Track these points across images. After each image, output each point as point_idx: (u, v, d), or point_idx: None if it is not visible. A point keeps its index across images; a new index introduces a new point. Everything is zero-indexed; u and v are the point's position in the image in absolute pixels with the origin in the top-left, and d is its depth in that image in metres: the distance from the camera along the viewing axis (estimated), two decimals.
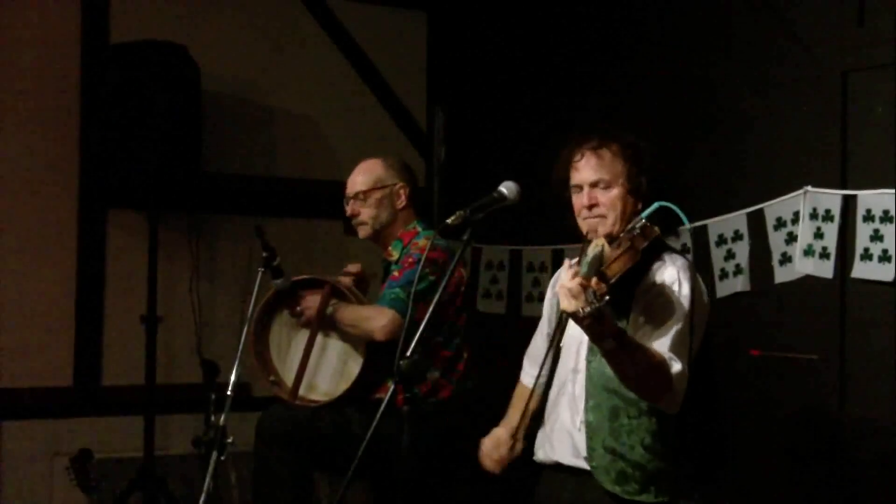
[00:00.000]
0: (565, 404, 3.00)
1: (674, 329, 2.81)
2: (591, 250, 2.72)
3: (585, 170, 3.00)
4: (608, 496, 2.90)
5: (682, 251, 2.91)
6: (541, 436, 3.10)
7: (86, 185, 5.02)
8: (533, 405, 3.18)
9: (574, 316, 2.57)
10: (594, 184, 2.98)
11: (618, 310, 2.87)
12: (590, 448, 2.92)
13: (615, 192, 2.97)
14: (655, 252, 2.90)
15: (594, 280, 2.56)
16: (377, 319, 3.79)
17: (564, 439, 2.99)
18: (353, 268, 4.14)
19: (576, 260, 2.75)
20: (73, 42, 5.04)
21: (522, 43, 5.37)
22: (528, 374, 3.31)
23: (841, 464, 3.86)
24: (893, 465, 3.70)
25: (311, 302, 3.96)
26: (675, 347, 2.79)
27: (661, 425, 2.87)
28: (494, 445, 3.15)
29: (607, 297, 2.53)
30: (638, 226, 2.76)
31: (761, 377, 4.08)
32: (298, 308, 3.98)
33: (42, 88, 4.98)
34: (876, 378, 3.78)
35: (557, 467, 3.02)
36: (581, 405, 2.95)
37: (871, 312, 3.80)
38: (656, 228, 2.78)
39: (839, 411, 3.88)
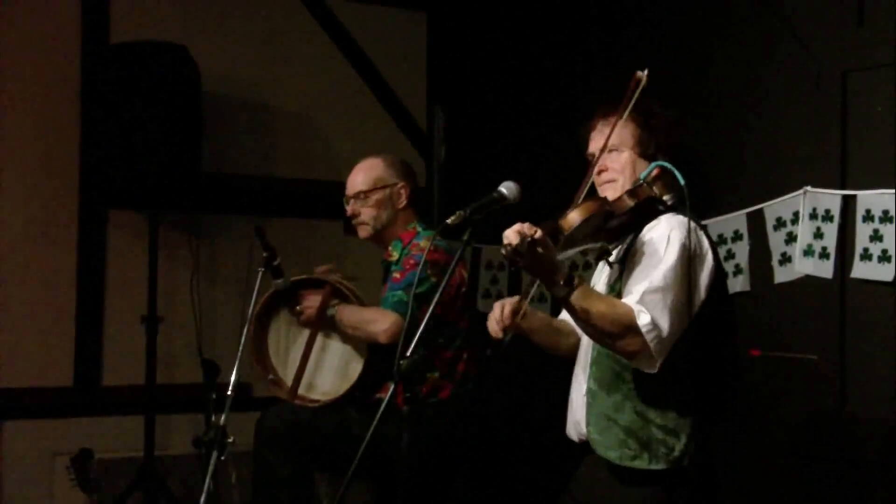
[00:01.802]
0: (580, 373, 3.03)
1: (646, 282, 2.77)
2: None
3: (596, 138, 3.06)
4: (606, 465, 2.90)
5: (684, 210, 2.87)
6: (568, 408, 3.10)
7: (86, 185, 5.02)
8: (562, 324, 3.20)
9: (505, 258, 2.62)
10: (604, 150, 3.01)
11: (617, 272, 2.92)
12: (588, 414, 2.93)
13: (624, 156, 3.01)
14: (654, 213, 2.90)
15: (527, 224, 2.62)
16: (380, 322, 3.79)
17: (578, 409, 3.00)
18: (322, 268, 4.12)
19: None
20: (73, 42, 5.04)
21: (522, 43, 5.37)
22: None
23: (841, 464, 3.86)
24: (893, 465, 3.70)
25: (312, 301, 3.96)
26: (647, 300, 2.75)
27: (657, 392, 2.84)
28: (501, 303, 3.01)
29: (529, 240, 2.57)
30: (632, 186, 2.81)
31: (761, 377, 4.08)
32: (299, 307, 3.98)
33: (42, 88, 4.98)
34: (876, 378, 3.78)
35: (582, 443, 3.01)
36: (587, 372, 2.98)
37: (871, 312, 3.80)
38: (654, 189, 2.82)
39: (839, 411, 3.88)
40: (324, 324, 3.96)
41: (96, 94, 4.84)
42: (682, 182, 2.80)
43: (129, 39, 4.86)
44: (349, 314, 3.89)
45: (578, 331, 3.20)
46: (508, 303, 2.98)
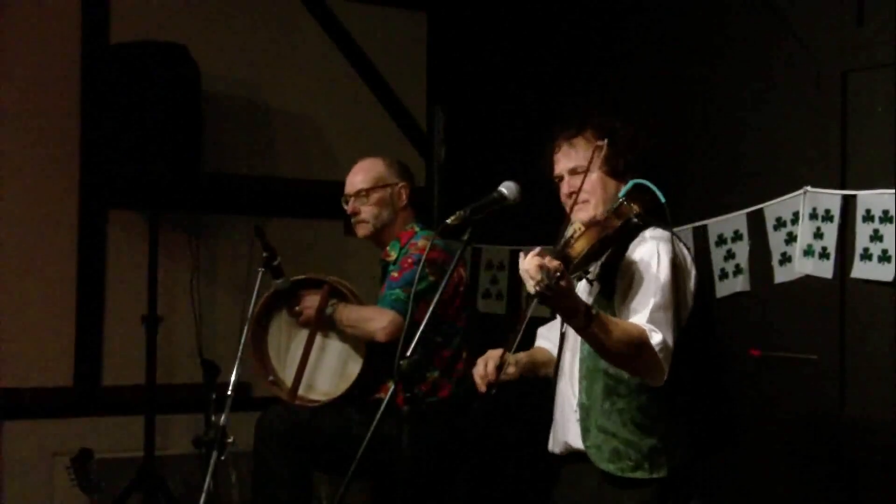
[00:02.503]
0: (565, 388, 3.03)
1: (651, 301, 2.81)
2: (567, 233, 2.82)
3: (562, 160, 3.07)
4: (605, 477, 2.91)
5: (666, 225, 2.91)
6: (552, 427, 3.11)
7: (86, 185, 5.02)
8: (539, 355, 3.22)
9: (537, 295, 2.58)
10: (572, 171, 3.03)
11: (605, 292, 2.93)
12: (583, 429, 2.94)
13: (593, 176, 3.00)
14: (636, 230, 2.91)
15: (548, 258, 2.59)
16: (378, 320, 3.79)
17: (567, 423, 3.01)
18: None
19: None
20: (73, 42, 5.04)
21: (523, 43, 5.37)
22: (542, 337, 3.33)
23: (841, 464, 3.86)
24: (893, 465, 3.70)
25: (310, 301, 3.97)
26: (654, 319, 2.79)
27: (652, 402, 2.87)
28: (485, 358, 3.09)
29: (558, 275, 2.54)
30: (614, 206, 2.83)
31: (761, 377, 4.08)
32: (297, 308, 3.98)
33: (42, 88, 4.98)
34: (876, 378, 3.78)
35: (564, 455, 3.04)
36: (577, 387, 2.98)
37: (871, 312, 3.80)
38: (634, 206, 2.83)
39: (839, 411, 3.88)
40: (323, 323, 3.96)
41: (96, 94, 4.85)
42: (662, 199, 2.82)
43: (129, 39, 4.86)
44: (347, 313, 3.90)
45: (555, 347, 3.22)
46: (492, 359, 3.04)
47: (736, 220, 4.18)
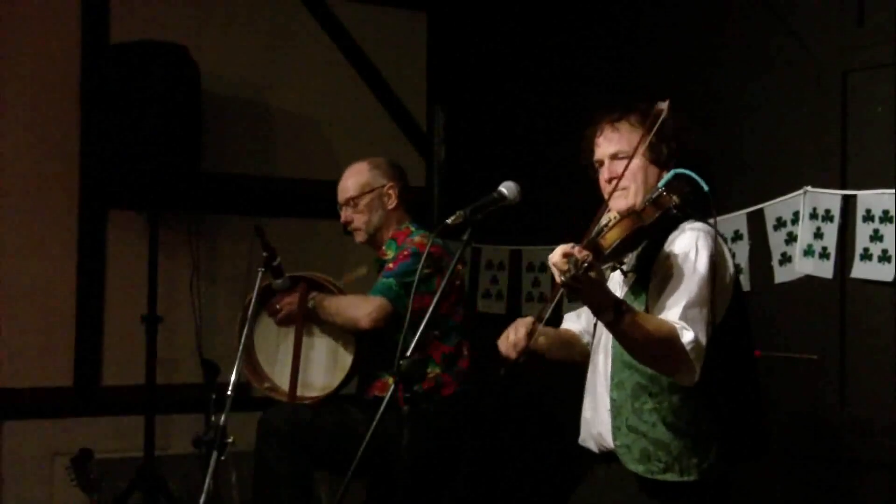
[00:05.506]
0: (599, 385, 2.95)
1: (685, 298, 2.72)
2: (602, 222, 2.72)
3: (603, 144, 2.96)
4: (634, 478, 2.84)
5: (706, 218, 2.82)
6: (582, 420, 3.04)
7: (86, 185, 5.02)
8: (565, 334, 3.13)
9: (562, 286, 2.50)
10: (613, 156, 2.93)
11: (639, 284, 2.85)
12: (614, 427, 2.87)
13: (635, 162, 2.89)
14: (675, 221, 2.83)
15: (577, 248, 2.51)
16: (362, 307, 3.78)
17: (601, 422, 2.93)
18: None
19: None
20: (73, 42, 5.04)
21: (523, 43, 5.37)
22: (568, 321, 3.23)
23: (841, 464, 3.86)
24: (893, 465, 3.70)
25: (290, 298, 3.95)
26: (687, 316, 2.71)
27: (685, 402, 2.79)
28: (514, 326, 2.90)
29: (586, 266, 2.47)
30: (653, 195, 2.73)
31: (761, 377, 4.07)
32: (278, 306, 3.97)
33: (42, 88, 4.98)
34: (876, 378, 3.78)
35: (598, 453, 2.97)
36: (608, 384, 2.91)
37: (871, 312, 3.81)
38: (674, 197, 2.73)
39: (839, 411, 3.88)
40: (306, 317, 3.94)
41: (96, 94, 4.84)
42: (706, 189, 2.72)
43: (129, 39, 4.86)
44: (329, 302, 3.89)
45: (586, 339, 3.17)
46: (522, 325, 2.89)
47: (736, 220, 4.18)
